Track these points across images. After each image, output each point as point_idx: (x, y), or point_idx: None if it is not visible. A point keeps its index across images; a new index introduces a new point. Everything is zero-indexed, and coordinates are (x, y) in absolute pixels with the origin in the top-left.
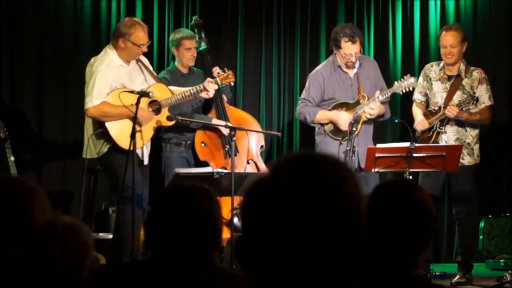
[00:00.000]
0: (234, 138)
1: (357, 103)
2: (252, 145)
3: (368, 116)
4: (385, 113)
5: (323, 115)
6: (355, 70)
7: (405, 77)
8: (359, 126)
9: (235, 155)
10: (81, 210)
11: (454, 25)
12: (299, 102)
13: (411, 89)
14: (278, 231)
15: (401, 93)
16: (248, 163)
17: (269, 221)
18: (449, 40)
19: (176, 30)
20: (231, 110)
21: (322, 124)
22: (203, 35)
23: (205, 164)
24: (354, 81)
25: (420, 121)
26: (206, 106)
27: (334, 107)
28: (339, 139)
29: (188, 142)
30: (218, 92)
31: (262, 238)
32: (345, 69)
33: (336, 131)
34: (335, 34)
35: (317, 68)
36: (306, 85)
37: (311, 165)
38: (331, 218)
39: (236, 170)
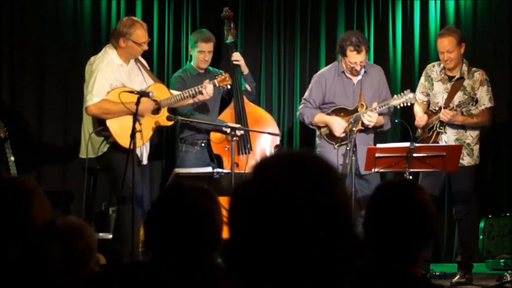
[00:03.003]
0: (235, 138)
1: (355, 110)
2: (266, 144)
3: (366, 123)
4: (385, 124)
5: (320, 118)
6: (359, 77)
7: (405, 91)
8: (358, 126)
9: (248, 152)
10: (83, 210)
11: (449, 29)
12: (301, 102)
13: (409, 104)
14: (263, 232)
15: (398, 107)
16: None
17: (254, 222)
18: (446, 46)
19: (197, 30)
20: (250, 107)
21: (319, 127)
22: (232, 27)
23: (218, 158)
24: (357, 88)
25: (420, 117)
26: (226, 101)
27: (333, 111)
28: (333, 144)
29: (204, 141)
30: (239, 88)
31: (249, 240)
32: (349, 75)
33: (331, 135)
34: (341, 42)
35: (322, 70)
36: (310, 85)
37: (295, 165)
38: (318, 219)
39: (249, 168)
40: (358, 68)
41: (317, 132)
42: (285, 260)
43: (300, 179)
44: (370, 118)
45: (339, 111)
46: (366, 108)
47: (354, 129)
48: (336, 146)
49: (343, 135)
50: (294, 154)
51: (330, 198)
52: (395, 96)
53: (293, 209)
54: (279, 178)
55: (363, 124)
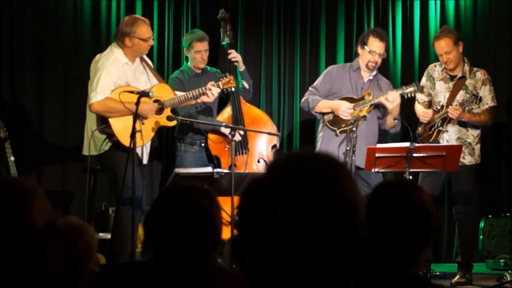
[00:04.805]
0: (235, 138)
1: (362, 98)
2: (263, 144)
3: (389, 100)
4: (396, 125)
5: (325, 103)
6: (370, 77)
7: (413, 83)
8: (358, 123)
9: (246, 153)
10: (85, 209)
11: (444, 30)
12: (308, 90)
13: (412, 95)
14: (275, 231)
15: (405, 97)
16: (258, 161)
17: (266, 221)
18: (444, 48)
19: (190, 31)
20: (247, 107)
21: (323, 114)
22: (228, 29)
23: (217, 158)
24: (365, 85)
25: (427, 112)
26: (222, 102)
27: (339, 100)
28: (334, 130)
29: (203, 141)
30: (235, 89)
31: (259, 238)
32: (362, 73)
33: (334, 121)
34: (364, 33)
35: (337, 65)
36: (320, 75)
37: (308, 165)
38: (328, 217)
39: (247, 168)
40: (376, 59)
41: (320, 125)
42: (292, 255)
43: (312, 178)
44: (393, 96)
45: (345, 100)
46: (373, 97)
47: (354, 128)
48: (338, 133)
49: (349, 117)
50: (306, 153)
51: (340, 197)
52: (402, 86)
53: (304, 207)
54: (292, 177)
55: (384, 109)
